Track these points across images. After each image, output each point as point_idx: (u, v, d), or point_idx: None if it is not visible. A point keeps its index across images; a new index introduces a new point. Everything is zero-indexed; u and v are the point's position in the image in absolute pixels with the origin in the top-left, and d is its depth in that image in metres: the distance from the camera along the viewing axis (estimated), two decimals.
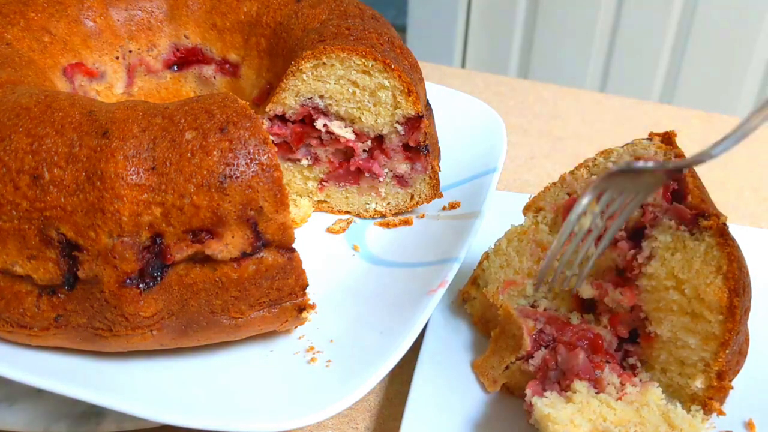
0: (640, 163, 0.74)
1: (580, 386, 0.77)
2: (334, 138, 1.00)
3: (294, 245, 0.75)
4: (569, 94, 1.68)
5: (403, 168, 1.01)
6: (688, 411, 0.80)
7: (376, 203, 1.05)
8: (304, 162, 1.03)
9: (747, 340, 0.82)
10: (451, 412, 0.80)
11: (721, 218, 0.77)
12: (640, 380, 0.80)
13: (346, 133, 0.99)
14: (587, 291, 0.84)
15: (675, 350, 0.80)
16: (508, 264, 0.87)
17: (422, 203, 1.04)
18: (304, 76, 0.95)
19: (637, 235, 0.83)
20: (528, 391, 0.77)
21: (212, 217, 0.70)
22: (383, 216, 1.05)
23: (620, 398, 0.75)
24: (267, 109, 0.98)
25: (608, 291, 0.83)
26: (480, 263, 0.91)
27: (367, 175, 1.02)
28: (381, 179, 1.02)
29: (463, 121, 1.16)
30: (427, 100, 1.04)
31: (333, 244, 1.00)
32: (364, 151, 1.01)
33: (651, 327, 0.81)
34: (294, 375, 0.76)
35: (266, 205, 0.71)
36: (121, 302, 0.70)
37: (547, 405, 0.74)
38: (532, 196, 0.90)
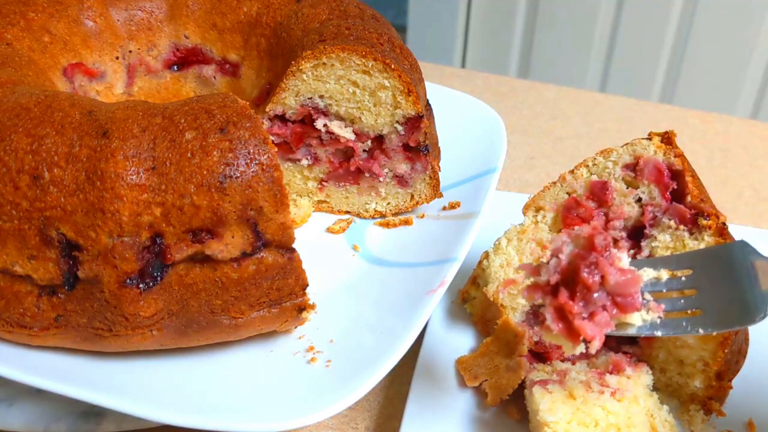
0: None
1: (576, 378, 0.77)
2: (334, 138, 1.00)
3: (294, 245, 0.75)
4: (569, 94, 1.68)
5: (403, 168, 1.01)
6: (687, 411, 0.80)
7: (376, 203, 1.05)
8: (304, 162, 1.03)
9: (747, 339, 0.82)
10: (451, 412, 0.80)
11: (721, 218, 0.77)
12: (634, 360, 0.80)
13: (346, 133, 0.99)
14: None
15: (674, 350, 0.80)
16: (508, 263, 0.87)
17: (422, 203, 1.04)
18: (304, 76, 0.95)
19: (636, 234, 0.83)
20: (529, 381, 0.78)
21: (212, 217, 0.70)
22: (383, 216, 1.06)
23: (618, 398, 0.75)
24: (267, 109, 0.98)
25: None
26: (480, 262, 0.91)
27: (367, 175, 1.02)
28: (381, 179, 1.02)
29: (463, 121, 1.16)
30: (427, 100, 1.04)
31: (333, 244, 1.00)
32: (364, 151, 1.01)
33: None
34: (294, 375, 0.76)
35: (266, 205, 0.71)
36: (121, 302, 0.70)
37: (543, 396, 0.74)
38: (532, 196, 0.90)
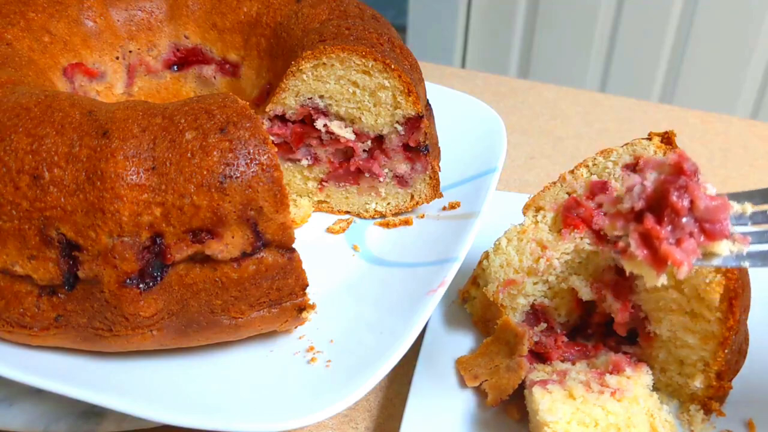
0: None
1: (576, 378, 0.77)
2: (334, 138, 1.00)
3: (294, 245, 0.75)
4: (569, 94, 1.68)
5: (403, 168, 1.01)
6: (688, 411, 0.80)
7: (376, 203, 1.05)
8: (304, 162, 1.03)
9: (747, 339, 0.82)
10: (451, 412, 0.80)
11: None
12: (634, 360, 0.80)
13: (346, 133, 0.99)
14: (586, 294, 0.84)
15: (674, 350, 0.80)
16: (508, 263, 0.87)
17: (422, 203, 1.04)
18: (304, 76, 0.95)
19: None
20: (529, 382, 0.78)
21: (212, 217, 0.70)
22: (383, 216, 1.06)
23: (618, 398, 0.75)
24: (267, 109, 0.98)
25: (606, 297, 0.83)
26: (480, 262, 0.91)
27: (367, 175, 1.02)
28: (381, 179, 1.02)
29: (463, 121, 1.16)
30: (427, 100, 1.04)
31: (333, 244, 1.00)
32: (364, 151, 1.01)
33: (650, 327, 0.81)
34: (294, 375, 0.76)
35: (266, 205, 0.71)
36: (121, 302, 0.70)
37: (542, 396, 0.74)
38: (532, 196, 0.90)
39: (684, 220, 0.62)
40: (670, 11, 2.35)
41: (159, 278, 0.71)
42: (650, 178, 0.65)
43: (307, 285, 0.77)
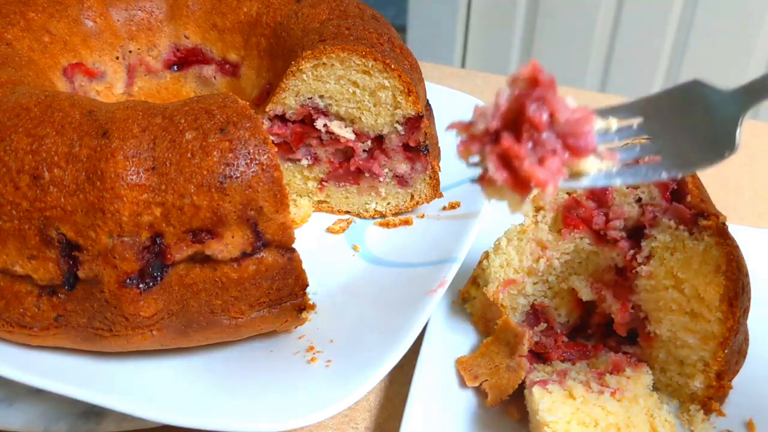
0: None
1: (576, 378, 0.77)
2: (334, 138, 1.00)
3: (294, 245, 0.75)
4: (569, 94, 1.67)
5: (403, 168, 1.01)
6: (688, 411, 0.80)
7: (376, 203, 1.05)
8: (304, 162, 1.03)
9: (746, 340, 0.82)
10: (451, 412, 0.80)
11: (720, 218, 0.77)
12: (634, 360, 0.80)
13: (346, 133, 0.99)
14: (586, 294, 0.84)
15: (674, 350, 0.80)
16: (508, 263, 0.87)
17: (422, 203, 1.04)
18: (304, 76, 0.95)
19: (636, 234, 0.83)
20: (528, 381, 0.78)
21: (212, 217, 0.70)
22: (383, 216, 1.06)
23: (618, 398, 0.75)
24: (267, 109, 0.98)
25: (606, 297, 0.83)
26: (480, 262, 0.91)
27: (367, 175, 1.02)
28: (381, 179, 1.02)
29: None
30: (427, 100, 1.04)
31: (333, 244, 1.00)
32: (364, 151, 1.01)
33: (650, 327, 0.81)
34: (294, 375, 0.76)
35: (266, 205, 0.71)
36: (121, 302, 0.70)
37: (542, 396, 0.74)
38: (532, 196, 0.90)
39: (545, 135, 0.55)
40: (670, 11, 2.35)
41: (159, 278, 0.71)
42: (504, 96, 0.56)
43: (307, 285, 0.77)
